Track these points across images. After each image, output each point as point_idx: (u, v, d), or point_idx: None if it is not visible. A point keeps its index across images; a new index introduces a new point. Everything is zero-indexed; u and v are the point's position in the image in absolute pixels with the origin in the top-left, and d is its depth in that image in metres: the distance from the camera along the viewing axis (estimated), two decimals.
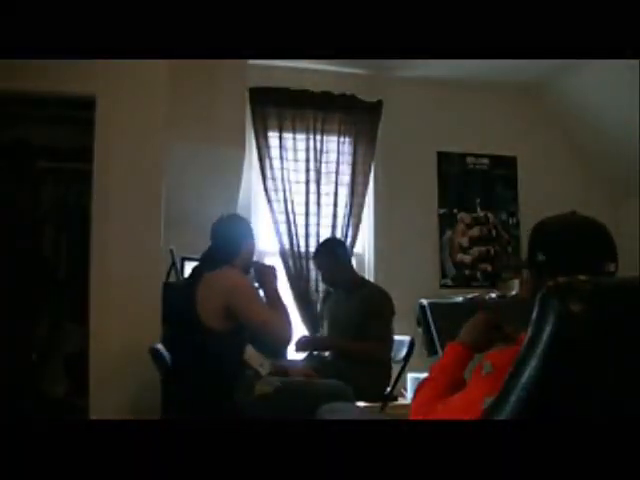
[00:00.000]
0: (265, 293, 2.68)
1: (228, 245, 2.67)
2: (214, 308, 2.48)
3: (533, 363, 0.97)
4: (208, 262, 2.65)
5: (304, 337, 3.58)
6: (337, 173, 4.58)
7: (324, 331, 3.61)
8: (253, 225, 3.01)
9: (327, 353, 3.42)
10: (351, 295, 3.38)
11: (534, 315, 0.98)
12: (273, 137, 4.48)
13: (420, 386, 1.56)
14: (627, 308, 0.99)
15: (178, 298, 2.67)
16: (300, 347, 3.39)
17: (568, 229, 1.49)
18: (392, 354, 3.37)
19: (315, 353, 3.43)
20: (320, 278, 3.78)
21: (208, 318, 2.47)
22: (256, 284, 2.74)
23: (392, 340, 3.35)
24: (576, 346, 0.95)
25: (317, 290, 4.42)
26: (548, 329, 0.95)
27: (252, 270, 2.79)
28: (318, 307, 4.41)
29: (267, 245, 4.58)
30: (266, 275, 2.70)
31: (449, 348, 1.61)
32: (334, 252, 3.48)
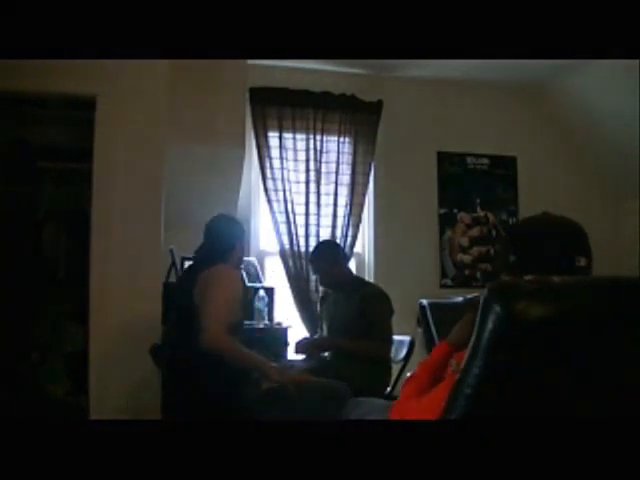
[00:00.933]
0: (265, 364, 2.55)
1: (222, 243, 2.69)
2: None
3: (477, 362, 0.97)
4: (203, 260, 2.68)
5: (304, 339, 3.58)
6: (337, 173, 4.58)
7: (323, 332, 3.61)
8: (247, 226, 3.02)
9: (327, 353, 3.42)
10: (349, 296, 3.38)
11: (478, 315, 0.99)
12: (273, 137, 4.48)
13: (405, 383, 1.60)
14: (573, 306, 0.99)
15: (177, 296, 2.68)
16: (300, 349, 3.39)
17: (535, 229, 1.55)
18: (392, 354, 3.37)
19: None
20: (318, 281, 3.77)
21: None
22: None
23: (392, 339, 3.35)
24: (517, 344, 0.96)
25: (317, 290, 4.41)
26: (489, 328, 0.96)
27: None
28: (318, 307, 4.41)
29: (267, 245, 4.58)
30: (274, 374, 2.54)
31: (436, 347, 1.63)
32: (330, 255, 3.48)
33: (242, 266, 2.87)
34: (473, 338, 1.00)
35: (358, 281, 3.59)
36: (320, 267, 3.49)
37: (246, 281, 4.03)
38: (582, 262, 1.44)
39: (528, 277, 1.03)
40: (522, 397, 0.97)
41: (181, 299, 2.61)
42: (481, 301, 0.99)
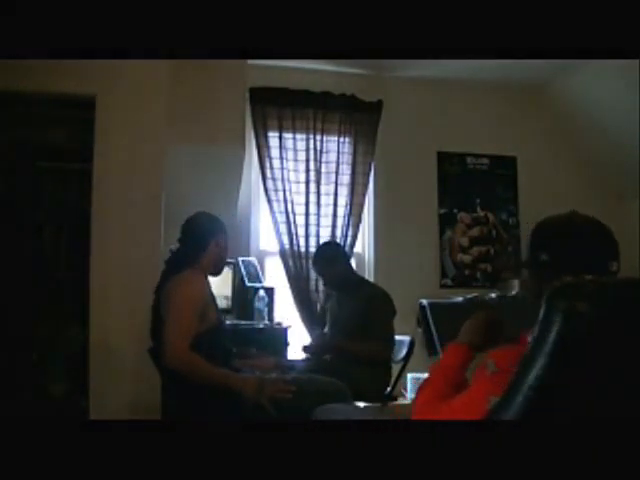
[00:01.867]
0: (232, 378, 2.39)
1: (192, 244, 2.59)
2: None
3: (540, 363, 0.97)
4: (171, 266, 2.59)
5: (312, 342, 3.59)
6: (337, 173, 4.58)
7: (326, 330, 3.61)
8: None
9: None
10: (352, 296, 3.38)
11: (541, 315, 0.98)
12: (273, 137, 4.48)
13: (421, 387, 1.55)
14: (632, 307, 0.99)
15: (153, 305, 2.61)
16: (305, 351, 3.41)
17: (571, 228, 1.48)
18: (393, 354, 3.37)
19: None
20: (322, 282, 3.77)
21: None
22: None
23: (393, 340, 3.35)
24: (582, 345, 0.95)
25: (317, 290, 4.42)
26: (555, 329, 0.95)
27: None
28: (318, 307, 4.41)
29: (267, 245, 4.58)
30: (249, 391, 2.33)
31: (450, 349, 1.59)
32: (332, 256, 3.48)
33: (221, 267, 2.72)
34: (535, 337, 0.99)
35: (361, 281, 3.59)
36: (323, 269, 3.49)
37: (246, 281, 4.04)
38: (614, 267, 1.42)
39: (588, 277, 1.02)
40: (584, 399, 0.96)
41: (153, 309, 2.57)
42: (544, 301, 0.98)
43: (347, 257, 3.70)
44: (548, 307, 0.97)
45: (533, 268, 1.51)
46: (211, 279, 2.70)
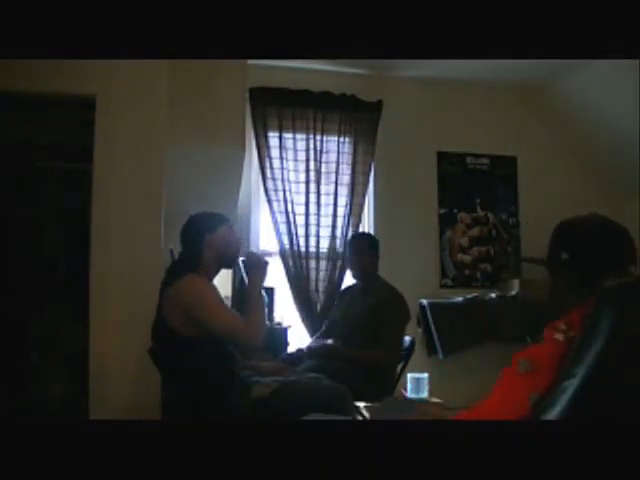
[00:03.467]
0: (248, 286, 2.61)
1: (190, 249, 2.59)
2: (181, 318, 2.44)
3: (589, 362, 0.97)
4: (174, 270, 2.61)
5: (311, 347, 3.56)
6: (337, 173, 4.58)
7: (329, 326, 3.61)
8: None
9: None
10: (368, 294, 3.40)
11: (592, 315, 0.98)
12: (273, 137, 4.48)
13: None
14: None
15: (157, 307, 2.61)
16: (308, 357, 3.37)
17: (594, 230, 1.50)
18: (398, 361, 3.37)
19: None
20: (350, 263, 3.70)
21: (179, 326, 2.45)
22: (243, 274, 2.68)
23: (401, 346, 3.35)
24: (632, 346, 0.95)
25: (317, 290, 4.42)
26: (605, 329, 0.95)
27: (241, 261, 2.68)
28: (318, 307, 4.41)
29: (267, 245, 4.58)
30: (255, 269, 2.62)
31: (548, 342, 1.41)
32: (373, 243, 3.57)
33: (231, 258, 2.69)
34: (580, 338, 0.99)
35: (381, 282, 3.58)
36: (361, 249, 3.51)
37: (246, 281, 4.02)
38: (633, 269, 1.43)
39: (634, 278, 1.02)
40: (630, 400, 0.96)
41: (158, 310, 2.57)
42: (596, 301, 0.98)
43: (378, 254, 3.68)
44: (598, 307, 0.98)
45: (553, 267, 1.52)
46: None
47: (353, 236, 3.81)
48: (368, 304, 3.34)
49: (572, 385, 0.98)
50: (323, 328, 3.76)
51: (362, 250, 3.51)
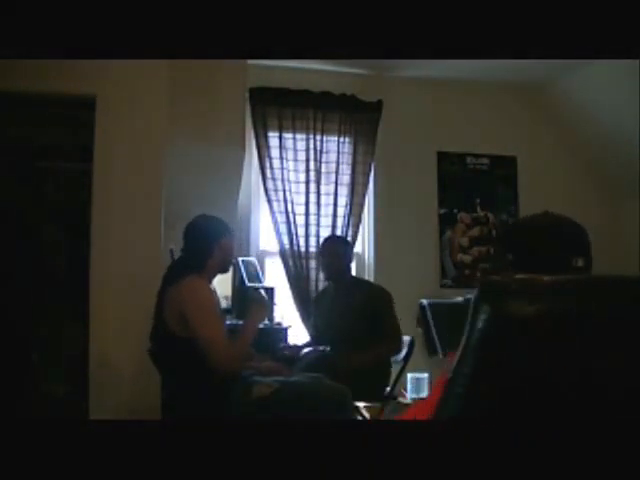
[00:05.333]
0: (246, 319, 2.68)
1: (196, 252, 2.62)
2: (178, 317, 2.47)
3: (468, 361, 0.98)
4: (176, 270, 2.63)
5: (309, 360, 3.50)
6: (337, 173, 4.58)
7: (320, 325, 3.59)
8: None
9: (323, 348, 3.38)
10: (348, 295, 3.38)
11: (468, 316, 0.99)
12: (273, 137, 4.48)
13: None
14: (553, 306, 1.00)
15: (155, 306, 2.62)
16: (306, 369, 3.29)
17: (532, 228, 1.56)
18: (402, 343, 3.40)
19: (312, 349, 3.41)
20: (322, 265, 3.69)
21: (177, 327, 2.47)
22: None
23: (400, 331, 3.38)
24: (503, 344, 0.96)
25: (317, 290, 4.42)
26: (478, 328, 0.96)
27: (250, 294, 2.83)
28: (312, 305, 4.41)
29: (267, 245, 4.58)
30: (257, 307, 2.68)
31: None
32: (341, 252, 3.53)
33: (228, 266, 2.78)
34: (464, 337, 1.00)
35: (357, 279, 3.62)
36: (334, 251, 3.50)
37: (246, 281, 4.03)
38: (580, 262, 1.45)
39: (518, 276, 1.03)
40: (511, 396, 0.97)
41: (156, 312, 2.58)
42: (472, 300, 0.99)
43: (352, 256, 3.72)
44: (474, 305, 0.98)
45: (504, 269, 1.56)
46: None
47: (325, 239, 3.79)
48: (352, 304, 3.33)
49: (455, 386, 1.00)
50: (308, 339, 3.76)
51: (335, 252, 3.51)
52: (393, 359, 3.41)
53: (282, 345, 3.57)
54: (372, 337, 3.25)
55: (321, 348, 3.36)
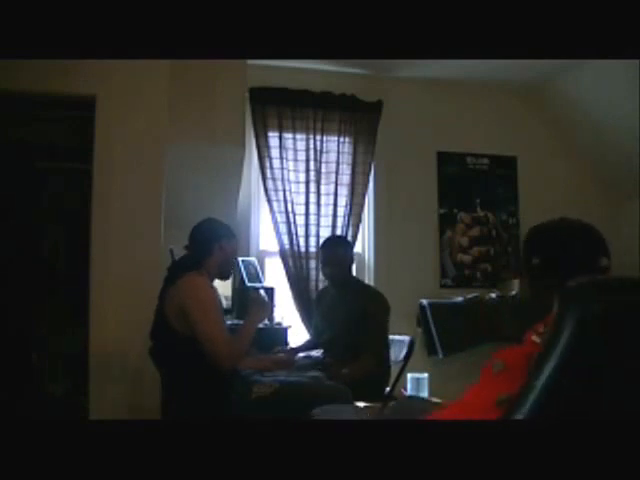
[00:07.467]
0: (247, 319, 2.68)
1: (198, 250, 2.66)
2: (179, 315, 2.48)
3: (552, 363, 0.97)
4: (178, 267, 2.66)
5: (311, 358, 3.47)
6: (337, 173, 4.58)
7: (319, 325, 3.58)
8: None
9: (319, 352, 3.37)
10: (345, 296, 3.36)
11: (554, 316, 0.99)
12: (273, 137, 4.48)
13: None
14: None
15: (157, 305, 2.64)
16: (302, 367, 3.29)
17: (558, 231, 1.60)
18: (392, 355, 3.35)
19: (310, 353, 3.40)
20: (323, 264, 3.66)
21: (178, 325, 2.48)
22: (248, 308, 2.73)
23: (387, 345, 3.30)
24: (594, 347, 0.96)
25: (317, 290, 4.42)
26: (567, 330, 0.96)
27: (250, 295, 2.83)
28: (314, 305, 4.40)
29: (267, 245, 4.58)
30: (257, 308, 2.68)
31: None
32: (346, 247, 3.53)
33: (228, 270, 2.81)
34: (548, 338, 1.00)
35: (359, 282, 3.59)
36: (334, 251, 3.45)
37: (246, 281, 4.03)
38: (604, 262, 1.50)
39: (600, 278, 1.04)
40: (600, 398, 0.97)
41: (157, 311, 2.59)
42: (557, 302, 1.00)
43: (352, 256, 3.68)
44: (560, 309, 0.98)
45: (527, 271, 1.60)
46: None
47: (325, 239, 3.75)
48: (348, 308, 3.29)
49: (538, 385, 0.99)
50: (306, 339, 3.75)
51: (335, 253, 3.44)
52: (393, 359, 3.40)
53: (278, 348, 3.55)
54: (357, 346, 3.19)
55: (314, 353, 3.35)
